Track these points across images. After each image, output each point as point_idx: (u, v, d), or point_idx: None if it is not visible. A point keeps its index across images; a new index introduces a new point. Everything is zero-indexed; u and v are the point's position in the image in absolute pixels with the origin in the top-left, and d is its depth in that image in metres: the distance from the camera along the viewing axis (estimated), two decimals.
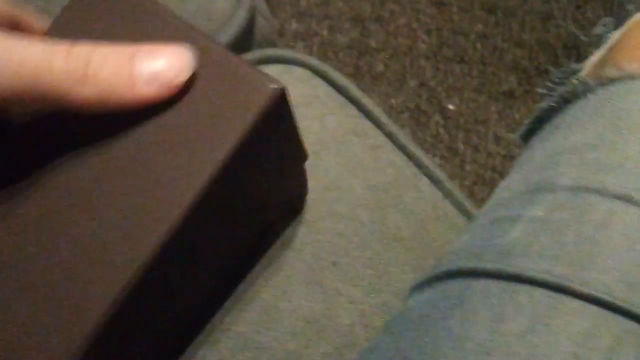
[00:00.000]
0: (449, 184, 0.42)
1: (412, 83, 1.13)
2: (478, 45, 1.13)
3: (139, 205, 0.28)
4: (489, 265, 0.33)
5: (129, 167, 0.28)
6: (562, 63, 1.07)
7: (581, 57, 1.04)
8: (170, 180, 0.28)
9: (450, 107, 1.11)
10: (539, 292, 0.31)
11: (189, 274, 0.32)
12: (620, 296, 0.30)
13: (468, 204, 0.42)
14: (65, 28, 0.29)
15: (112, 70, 0.27)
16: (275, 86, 0.28)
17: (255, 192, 0.32)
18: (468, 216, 0.42)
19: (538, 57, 1.09)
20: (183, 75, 0.28)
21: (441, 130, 1.10)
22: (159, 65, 0.27)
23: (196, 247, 0.30)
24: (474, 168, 1.08)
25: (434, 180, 0.42)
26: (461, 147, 1.09)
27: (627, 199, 0.32)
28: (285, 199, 0.37)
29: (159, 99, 0.28)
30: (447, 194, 0.42)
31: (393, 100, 1.12)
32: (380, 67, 1.13)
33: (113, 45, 0.28)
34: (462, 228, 0.41)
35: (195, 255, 0.31)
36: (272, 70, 0.45)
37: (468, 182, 1.07)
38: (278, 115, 0.29)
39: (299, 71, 0.45)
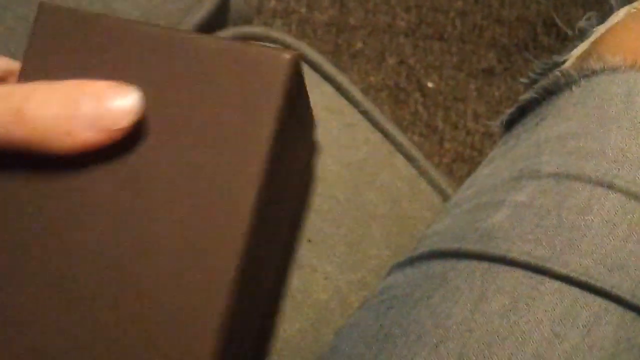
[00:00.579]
0: (424, 162, 0.43)
1: (391, 61, 1.13)
2: (457, 23, 1.13)
3: (212, 203, 0.27)
4: (472, 247, 0.33)
5: (187, 173, 0.27)
6: (542, 40, 1.08)
7: (560, 34, 1.04)
8: (231, 177, 0.27)
9: (430, 84, 1.11)
10: (520, 274, 0.32)
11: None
12: (598, 278, 0.31)
13: (443, 182, 0.43)
14: (38, 61, 0.28)
15: (52, 111, 0.26)
16: (289, 55, 0.28)
17: (289, 163, 0.32)
18: (443, 194, 0.43)
19: (517, 34, 1.09)
20: (127, 120, 0.26)
21: (420, 108, 1.11)
22: (102, 109, 0.26)
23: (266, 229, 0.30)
24: (453, 146, 1.08)
25: (410, 159, 0.43)
26: (440, 124, 1.10)
27: (608, 185, 0.33)
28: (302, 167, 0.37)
29: (100, 144, 0.26)
30: (422, 172, 0.43)
31: (372, 78, 1.12)
32: (359, 45, 1.13)
33: (58, 85, 0.26)
34: (437, 206, 0.42)
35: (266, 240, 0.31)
36: None
37: (447, 160, 1.07)
38: (296, 83, 0.29)
39: None
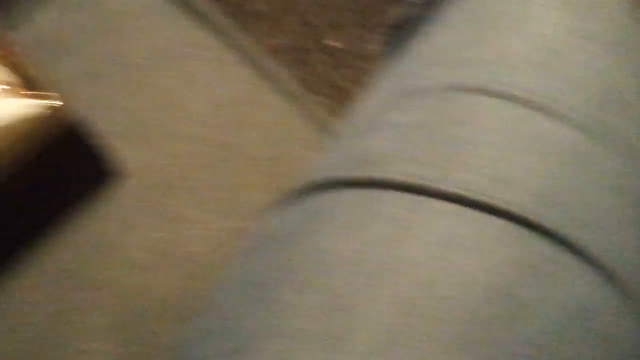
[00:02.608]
0: (304, 97, 0.39)
1: (292, 19, 1.09)
2: None
3: None
4: (351, 175, 0.31)
5: None
6: None
7: None
8: None
9: (333, 43, 1.09)
10: (400, 196, 0.29)
11: None
12: (483, 192, 0.29)
13: (326, 118, 0.40)
14: None
15: None
16: None
17: None
18: (325, 133, 0.40)
19: None
20: None
21: (324, 68, 1.08)
22: None
23: None
24: None
25: (288, 95, 0.39)
26: (345, 84, 1.07)
27: (485, 92, 0.31)
28: None
29: None
30: (303, 108, 0.39)
31: (274, 40, 1.09)
32: (261, 6, 1.09)
33: None
34: (317, 145, 0.39)
35: None
36: None
37: None
38: None
39: None
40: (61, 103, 0.29)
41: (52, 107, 0.29)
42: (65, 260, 0.34)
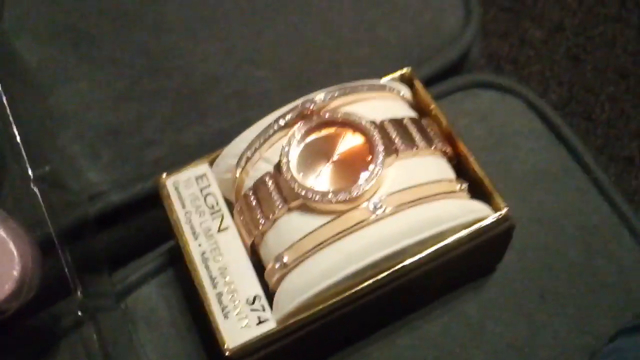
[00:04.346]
0: None
1: None
2: (606, 107, 1.12)
3: None
4: None
5: None
6: None
7: None
8: None
9: None
10: None
11: None
12: None
13: None
14: None
15: None
16: None
17: None
18: None
19: None
20: None
21: None
22: None
23: None
24: None
25: (635, 234, 0.43)
26: None
27: None
28: None
29: None
30: None
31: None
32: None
33: None
34: None
35: None
36: (486, 95, 0.47)
37: None
38: None
39: (513, 102, 0.46)
40: (505, 211, 0.34)
41: (497, 215, 0.34)
42: (426, 330, 0.39)
